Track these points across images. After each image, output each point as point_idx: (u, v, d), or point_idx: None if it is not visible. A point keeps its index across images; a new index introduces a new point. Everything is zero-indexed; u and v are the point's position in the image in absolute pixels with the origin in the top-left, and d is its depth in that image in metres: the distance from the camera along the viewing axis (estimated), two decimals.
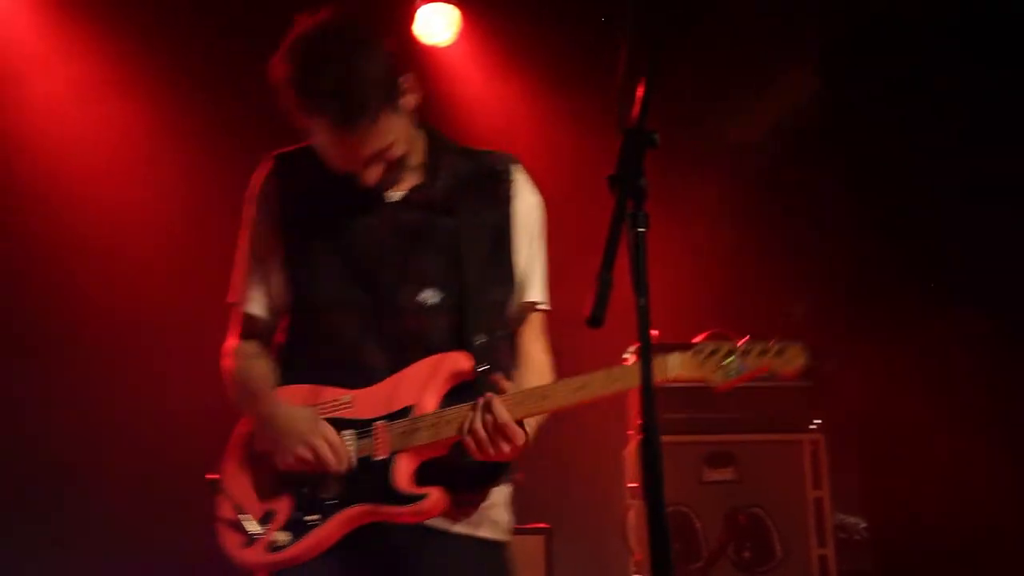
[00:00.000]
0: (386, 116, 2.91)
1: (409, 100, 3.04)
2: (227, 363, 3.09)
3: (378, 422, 2.91)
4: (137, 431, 5.81)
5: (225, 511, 2.96)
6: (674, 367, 2.90)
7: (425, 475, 2.90)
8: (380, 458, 2.90)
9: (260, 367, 3.04)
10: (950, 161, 5.51)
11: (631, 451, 5.24)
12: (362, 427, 2.92)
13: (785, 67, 6.19)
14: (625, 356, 3.08)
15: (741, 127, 6.41)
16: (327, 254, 2.99)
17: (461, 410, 2.87)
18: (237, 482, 2.98)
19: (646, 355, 2.44)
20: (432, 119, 6.24)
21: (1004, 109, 5.39)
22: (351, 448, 2.90)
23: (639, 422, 2.54)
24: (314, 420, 2.91)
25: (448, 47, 6.26)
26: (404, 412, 2.91)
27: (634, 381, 2.82)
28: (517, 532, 4.93)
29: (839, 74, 5.96)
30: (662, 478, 2.37)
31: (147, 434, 5.81)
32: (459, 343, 2.94)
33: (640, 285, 2.44)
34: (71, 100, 5.98)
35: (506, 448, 2.84)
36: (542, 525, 5.13)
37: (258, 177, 3.13)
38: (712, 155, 6.36)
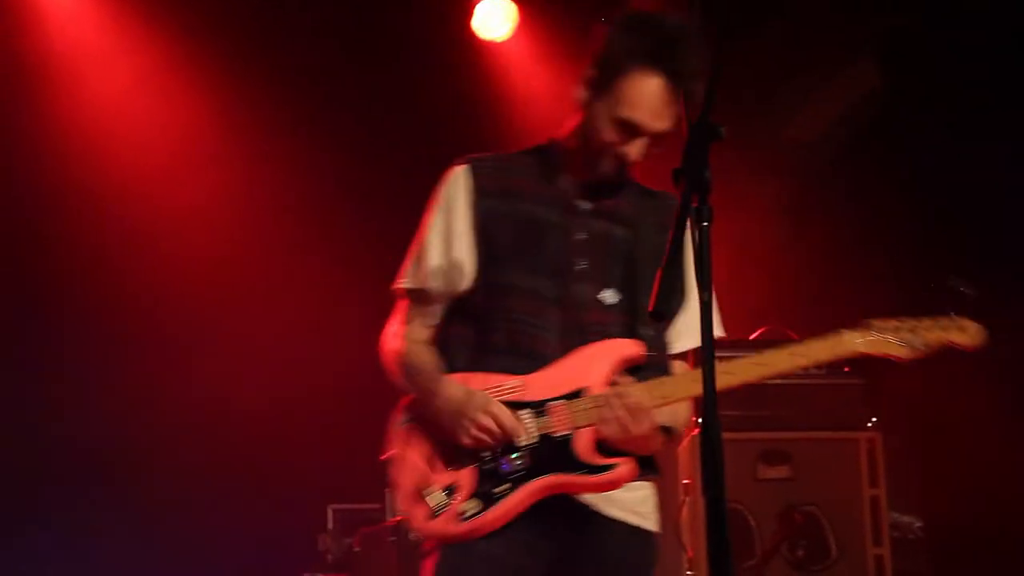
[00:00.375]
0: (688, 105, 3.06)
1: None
2: (394, 345, 3.23)
3: (553, 402, 3.04)
4: (197, 429, 5.85)
5: (406, 485, 3.05)
6: (857, 344, 3.05)
7: (604, 448, 3.03)
8: (558, 435, 3.01)
9: (429, 352, 3.18)
10: (1012, 156, 5.44)
11: (685, 447, 5.22)
12: (537, 407, 3.04)
13: (845, 62, 6.14)
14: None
15: (799, 124, 6.36)
16: (519, 246, 3.13)
17: (641, 387, 3.02)
18: (413, 458, 3.08)
19: (708, 350, 2.44)
20: (490, 114, 6.31)
21: None
22: (529, 425, 3.02)
23: (699, 418, 2.57)
24: (489, 398, 3.02)
25: (506, 42, 6.27)
26: (577, 394, 3.05)
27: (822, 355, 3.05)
28: None
29: (900, 69, 5.90)
30: (723, 475, 2.38)
31: (206, 432, 5.86)
32: (632, 336, 3.11)
33: (704, 280, 2.45)
34: (132, 97, 6.03)
35: (635, 431, 2.96)
36: None
37: (448, 175, 3.27)
38: (770, 152, 6.32)
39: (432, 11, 6.19)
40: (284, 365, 5.90)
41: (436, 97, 6.24)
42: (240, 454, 5.76)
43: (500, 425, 2.99)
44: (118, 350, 5.91)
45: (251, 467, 5.76)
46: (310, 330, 6.08)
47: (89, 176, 5.96)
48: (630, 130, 3.05)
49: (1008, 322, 5.06)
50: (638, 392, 3.00)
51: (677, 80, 3.02)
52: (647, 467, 3.11)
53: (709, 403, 2.43)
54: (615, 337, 3.11)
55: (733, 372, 3.05)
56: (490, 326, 3.12)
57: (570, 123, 3.18)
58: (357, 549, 5.24)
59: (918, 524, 5.76)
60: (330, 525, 5.45)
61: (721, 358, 2.67)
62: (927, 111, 5.78)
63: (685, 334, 3.21)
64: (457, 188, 3.22)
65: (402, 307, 3.28)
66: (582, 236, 3.15)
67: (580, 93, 3.13)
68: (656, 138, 3.07)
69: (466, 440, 3.01)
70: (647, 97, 3.03)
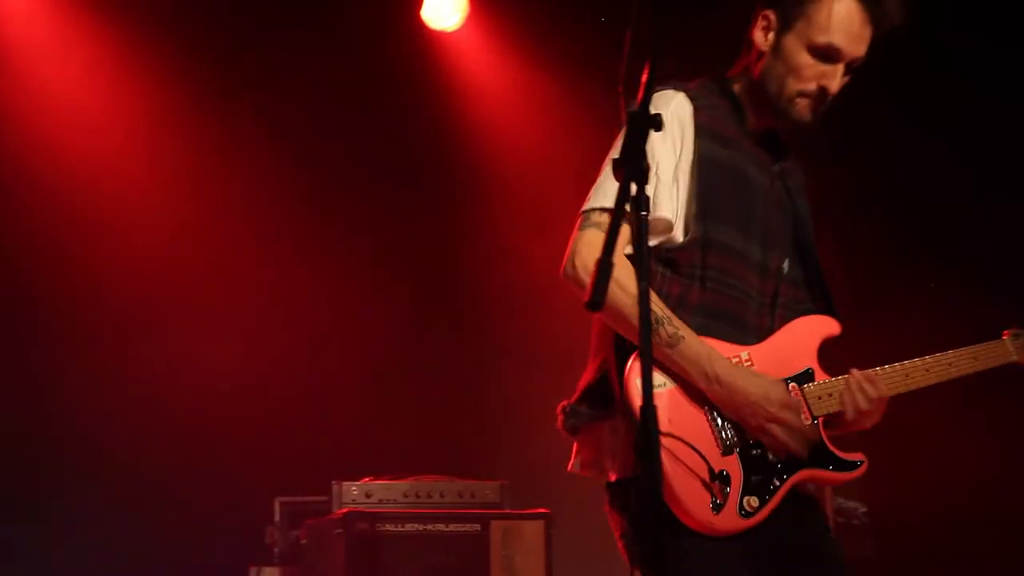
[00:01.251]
0: None
1: None
2: (625, 283, 2.76)
3: (791, 384, 2.92)
4: (142, 421, 5.77)
5: (679, 468, 2.80)
6: (1012, 355, 3.14)
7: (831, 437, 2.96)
8: (807, 422, 2.91)
9: (662, 302, 2.89)
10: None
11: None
12: None
13: None
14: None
15: None
16: (733, 203, 2.99)
17: (878, 372, 2.97)
18: (683, 434, 2.82)
19: (646, 339, 2.40)
20: (440, 104, 6.27)
21: None
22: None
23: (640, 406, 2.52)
24: (788, 394, 2.89)
25: (456, 32, 6.22)
26: (807, 374, 2.95)
27: (1001, 358, 3.13)
28: (517, 517, 5.01)
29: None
30: (659, 469, 2.34)
31: (151, 423, 5.77)
32: (825, 311, 3.05)
33: (642, 268, 2.41)
34: (83, 85, 5.94)
35: (870, 422, 2.97)
36: (542, 510, 5.09)
37: (667, 103, 2.97)
38: None
39: (382, 1, 6.14)
40: (230, 358, 5.82)
41: (385, 86, 6.19)
42: (186, 447, 5.69)
43: (795, 414, 2.86)
44: (62, 338, 5.81)
45: (197, 460, 5.69)
46: (256, 322, 6.01)
47: (39, 163, 5.86)
48: (828, 56, 2.93)
49: (953, 310, 5.09)
50: (881, 379, 2.95)
51: (870, 4, 2.94)
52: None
53: (647, 396, 2.39)
54: (799, 312, 3.03)
55: (952, 363, 3.07)
56: (704, 284, 2.93)
57: (752, 66, 3.02)
58: (304, 541, 5.19)
59: (863, 510, 5.77)
60: (277, 518, 5.39)
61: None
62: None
63: None
64: (682, 119, 2.96)
65: (607, 237, 2.49)
66: (775, 199, 3.06)
67: (762, 37, 3.00)
68: (851, 65, 2.96)
69: (763, 438, 2.85)
70: (844, 20, 2.94)
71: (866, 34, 2.97)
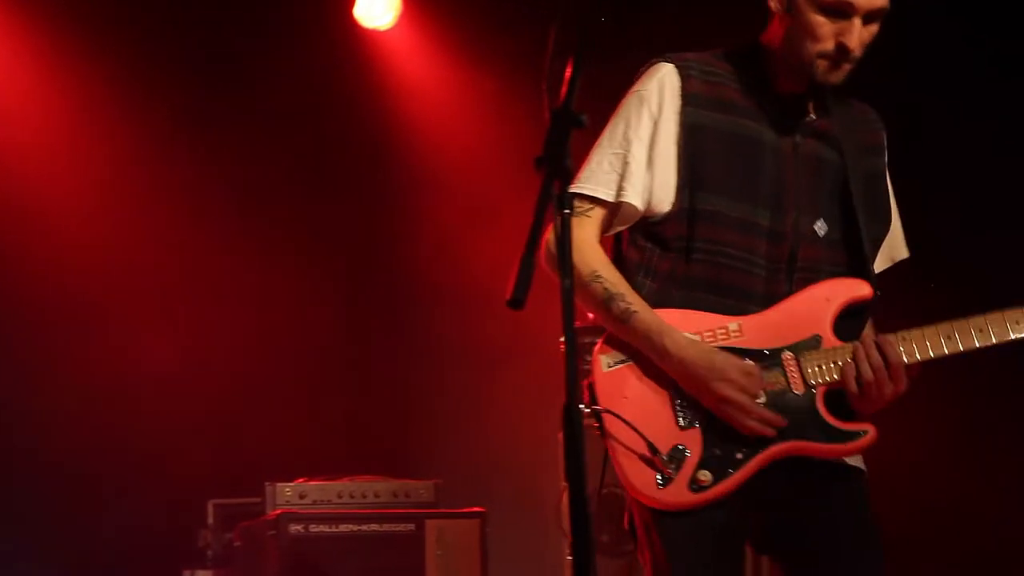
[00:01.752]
0: None
1: None
2: (585, 264, 2.84)
3: (786, 352, 2.82)
4: (72, 421, 5.68)
5: (626, 445, 2.78)
6: None
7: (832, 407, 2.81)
8: (798, 392, 2.80)
9: (621, 278, 2.85)
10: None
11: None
12: (766, 359, 2.82)
13: None
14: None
15: None
16: (731, 167, 2.89)
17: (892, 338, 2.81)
18: (632, 412, 2.78)
19: (570, 337, 2.39)
20: (374, 102, 6.23)
21: None
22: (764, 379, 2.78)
23: (564, 404, 2.51)
24: (737, 362, 2.78)
25: (389, 31, 6.19)
26: (812, 341, 2.83)
27: None
28: (451, 516, 4.98)
29: None
30: (584, 465, 2.25)
31: (82, 424, 5.69)
32: (855, 272, 2.91)
33: (565, 266, 2.38)
34: (14, 77, 5.84)
35: (889, 393, 2.79)
36: (477, 509, 5.07)
37: (651, 72, 2.94)
38: None
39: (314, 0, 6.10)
40: (162, 358, 5.76)
41: (319, 85, 6.15)
42: (117, 449, 5.62)
43: (747, 392, 2.75)
44: None
45: (129, 462, 5.62)
46: (188, 322, 5.96)
47: None
48: (840, 11, 2.82)
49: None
50: (894, 347, 2.78)
51: None
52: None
53: (571, 391, 2.36)
54: (828, 275, 2.90)
55: (983, 328, 2.81)
56: (691, 256, 2.86)
57: (774, 30, 2.93)
58: (237, 544, 5.14)
59: None
60: (210, 520, 5.33)
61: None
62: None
63: (881, 258, 3.04)
64: (664, 89, 2.91)
65: (580, 217, 2.85)
66: (796, 158, 2.93)
67: (774, 1, 2.91)
68: (871, 16, 2.83)
69: (707, 404, 2.75)
70: None
71: None
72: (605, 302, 2.85)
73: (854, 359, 2.80)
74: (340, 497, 5.06)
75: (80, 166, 5.91)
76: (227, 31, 6.02)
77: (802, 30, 2.85)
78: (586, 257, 2.86)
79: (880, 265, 3.06)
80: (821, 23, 2.84)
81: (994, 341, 2.84)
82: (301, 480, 5.08)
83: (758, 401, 2.78)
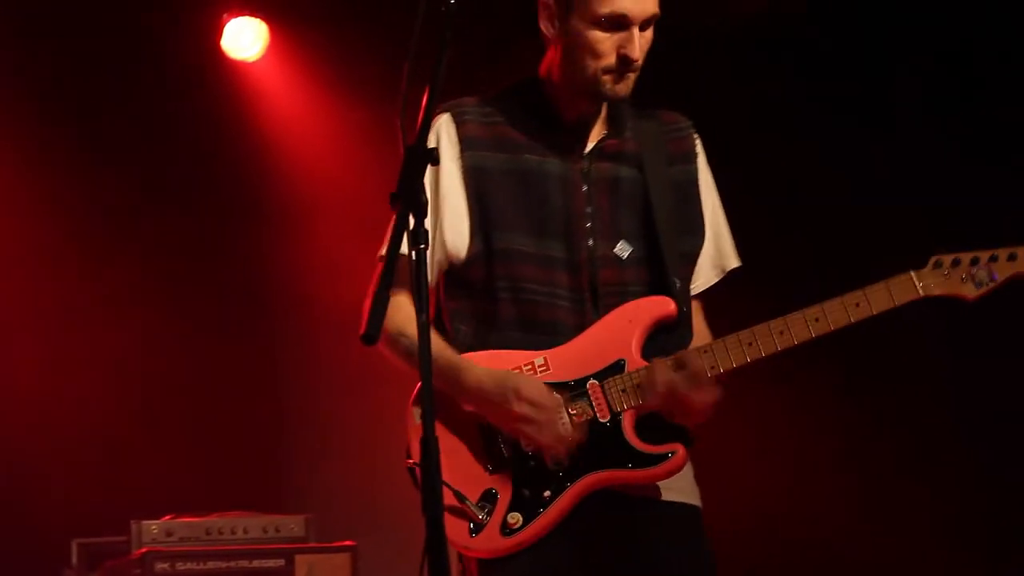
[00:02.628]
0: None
1: None
2: (389, 324, 2.81)
3: (591, 381, 2.79)
4: None
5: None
6: (929, 286, 2.79)
7: (643, 430, 2.78)
8: (604, 420, 2.76)
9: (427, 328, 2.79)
10: None
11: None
12: (572, 389, 2.79)
13: None
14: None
15: None
16: (519, 204, 2.87)
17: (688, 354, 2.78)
18: (445, 463, 2.60)
19: (426, 370, 2.37)
20: (241, 132, 6.16)
21: None
22: (566, 417, 2.74)
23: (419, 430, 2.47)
24: (527, 379, 2.76)
25: (256, 62, 6.14)
26: (616, 367, 2.79)
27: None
28: (322, 551, 4.92)
29: None
30: (441, 492, 2.28)
31: None
32: (657, 290, 2.86)
33: (421, 301, 2.38)
34: None
35: (699, 402, 2.76)
36: (348, 543, 5.02)
37: (427, 126, 2.80)
38: None
39: (181, 28, 6.02)
40: (23, 393, 5.61)
41: (187, 115, 6.06)
42: None
43: (543, 409, 2.72)
44: None
45: None
46: (51, 355, 5.81)
47: None
48: (617, 24, 2.81)
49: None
50: (694, 359, 2.76)
51: None
52: (685, 442, 2.84)
53: (427, 417, 2.33)
54: (635, 295, 2.87)
55: (783, 331, 2.79)
56: (495, 297, 2.86)
57: (551, 58, 2.93)
58: None
59: None
60: (74, 560, 5.17)
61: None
62: None
63: (707, 269, 3.01)
64: (442, 139, 2.91)
65: (387, 272, 2.70)
66: (587, 184, 2.91)
67: (548, 26, 2.91)
68: (647, 24, 2.84)
69: (510, 433, 2.74)
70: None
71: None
72: (408, 355, 2.84)
73: (649, 379, 2.78)
74: (208, 534, 4.95)
75: None
76: (98, 62, 5.92)
77: (581, 50, 2.86)
78: (393, 317, 2.82)
79: (709, 278, 3.04)
80: (601, 39, 2.84)
81: (795, 343, 2.82)
82: (168, 517, 4.97)
83: (563, 428, 2.75)
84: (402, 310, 2.86)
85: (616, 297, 2.88)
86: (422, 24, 2.68)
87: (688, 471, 2.92)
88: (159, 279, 6.02)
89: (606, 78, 2.85)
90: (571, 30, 2.87)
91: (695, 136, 3.08)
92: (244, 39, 6.06)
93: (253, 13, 6.01)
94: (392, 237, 2.42)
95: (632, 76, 2.89)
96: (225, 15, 5.98)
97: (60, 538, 5.25)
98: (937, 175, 5.21)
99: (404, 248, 2.79)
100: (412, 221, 2.40)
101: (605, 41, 2.84)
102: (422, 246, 2.39)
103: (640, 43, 2.85)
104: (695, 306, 3.02)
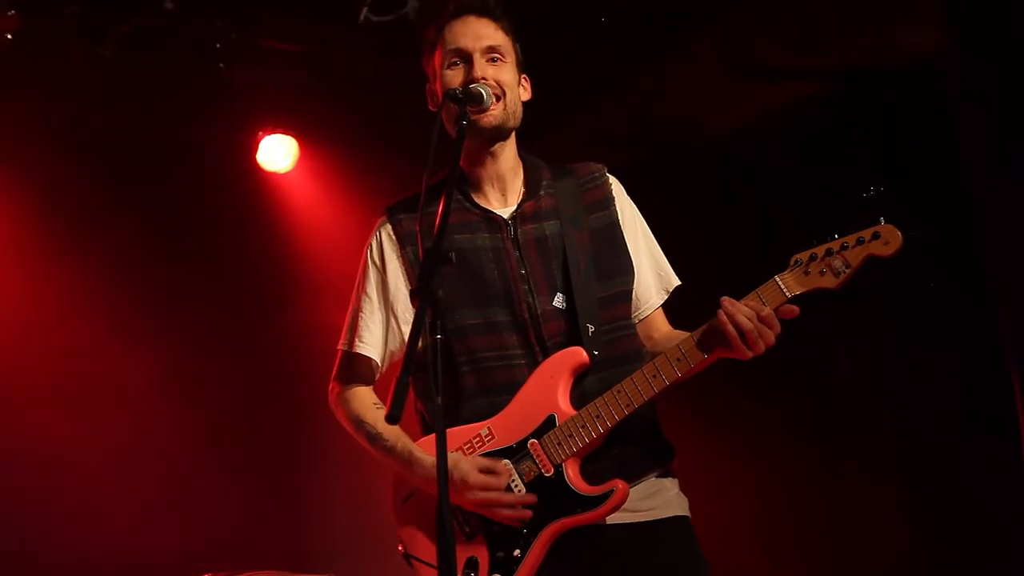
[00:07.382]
0: (510, 40, 2.93)
1: (525, 82, 3.02)
2: (356, 418, 2.95)
3: (531, 441, 2.80)
4: None
5: (431, 570, 2.77)
6: (791, 286, 2.74)
7: (590, 471, 2.80)
8: (549, 474, 2.78)
9: (380, 416, 2.90)
10: None
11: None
12: (516, 453, 2.81)
13: None
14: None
15: None
16: (461, 283, 2.88)
17: (601, 401, 2.77)
18: (425, 543, 2.79)
19: (441, 445, 2.41)
20: (273, 237, 6.23)
21: None
22: (517, 479, 2.78)
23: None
24: (467, 470, 2.76)
25: (287, 173, 6.28)
26: (549, 423, 2.80)
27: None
28: None
29: None
30: (453, 556, 2.32)
31: None
32: (573, 338, 2.85)
33: (437, 386, 2.45)
34: None
35: (771, 338, 2.71)
36: None
37: (373, 229, 3.04)
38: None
39: (220, 144, 6.15)
40: (50, 448, 5.54)
41: (226, 221, 6.15)
42: None
43: (494, 487, 2.74)
44: None
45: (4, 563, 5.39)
46: (88, 432, 5.72)
47: None
48: (462, 57, 2.91)
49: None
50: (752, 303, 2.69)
51: (482, 10, 2.95)
52: (647, 464, 2.88)
53: (443, 493, 2.39)
54: (567, 344, 2.85)
55: (681, 359, 2.76)
56: (457, 372, 2.87)
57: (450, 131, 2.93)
58: None
59: None
60: None
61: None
62: None
63: (651, 295, 3.01)
64: (383, 239, 3.01)
65: (346, 365, 3.01)
66: (517, 248, 2.91)
67: (432, 102, 3.01)
68: (489, 54, 2.90)
69: (472, 511, 2.77)
70: (461, 28, 2.92)
71: (485, 34, 2.93)
72: (371, 442, 2.96)
73: (578, 431, 2.78)
74: None
75: None
76: (149, 175, 5.99)
77: (446, 108, 2.90)
78: (351, 405, 2.98)
79: (655, 301, 3.05)
80: (450, 76, 2.93)
81: (691, 366, 2.81)
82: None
83: (517, 491, 2.78)
84: (357, 397, 2.99)
85: (557, 348, 2.87)
86: (436, 144, 2.81)
87: (673, 486, 2.95)
88: (194, 339, 6.02)
89: (470, 110, 2.85)
90: (436, 94, 3.00)
91: (609, 180, 3.10)
92: (277, 153, 6.23)
93: (285, 131, 6.20)
94: (411, 329, 2.50)
95: (496, 106, 2.90)
96: (260, 132, 6.18)
97: None
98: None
99: (368, 344, 2.95)
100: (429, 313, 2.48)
101: (455, 78, 2.92)
102: (439, 336, 2.47)
103: (485, 68, 2.90)
104: (657, 315, 3.05)
